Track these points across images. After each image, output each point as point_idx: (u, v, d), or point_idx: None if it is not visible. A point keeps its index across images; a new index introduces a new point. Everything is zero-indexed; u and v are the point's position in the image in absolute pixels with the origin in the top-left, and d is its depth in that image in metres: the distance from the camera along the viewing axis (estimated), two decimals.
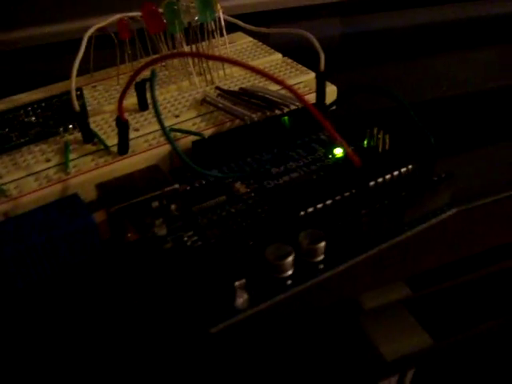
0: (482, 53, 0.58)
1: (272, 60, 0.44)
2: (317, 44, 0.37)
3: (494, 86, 0.52)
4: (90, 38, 0.38)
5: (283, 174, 0.34)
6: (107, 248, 0.30)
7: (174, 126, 0.36)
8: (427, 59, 0.57)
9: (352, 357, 0.32)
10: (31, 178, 0.33)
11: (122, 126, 0.33)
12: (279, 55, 0.44)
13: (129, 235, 0.30)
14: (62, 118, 0.36)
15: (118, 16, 0.38)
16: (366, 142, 0.35)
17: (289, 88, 0.29)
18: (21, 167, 0.33)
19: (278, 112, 0.36)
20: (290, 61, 0.44)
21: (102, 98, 0.40)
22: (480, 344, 0.35)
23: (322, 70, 0.37)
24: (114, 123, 0.36)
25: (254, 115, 0.36)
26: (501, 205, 0.40)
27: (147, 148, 0.35)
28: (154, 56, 0.30)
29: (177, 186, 0.31)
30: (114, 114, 0.37)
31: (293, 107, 0.37)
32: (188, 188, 0.33)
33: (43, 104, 0.35)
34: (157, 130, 0.36)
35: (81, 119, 0.34)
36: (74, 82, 0.34)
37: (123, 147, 0.34)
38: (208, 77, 0.41)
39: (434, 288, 0.36)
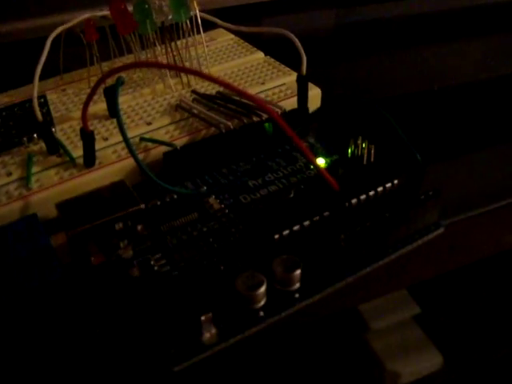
0: (472, 44, 0.56)
1: (253, 59, 0.41)
2: (299, 45, 0.35)
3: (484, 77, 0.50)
4: (57, 39, 0.35)
5: (260, 187, 0.32)
6: (69, 272, 0.28)
7: (145, 135, 0.34)
8: (419, 50, 0.54)
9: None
10: None
11: (87, 138, 0.31)
12: (261, 54, 0.42)
13: (92, 258, 0.28)
14: (25, 128, 0.33)
15: (85, 16, 0.35)
16: (349, 151, 0.33)
17: (257, 101, 0.27)
18: None
19: (255, 119, 0.34)
20: (272, 60, 0.41)
21: (70, 103, 0.37)
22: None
23: (304, 74, 0.34)
24: (95, 126, 0.34)
25: (229, 123, 0.33)
26: (496, 214, 0.38)
27: (116, 160, 0.32)
28: (118, 66, 0.28)
29: (143, 205, 0.28)
30: (91, 118, 0.35)
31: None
32: (158, 203, 0.31)
33: (4, 113, 0.32)
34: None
35: (44, 129, 0.32)
36: (36, 90, 0.32)
37: (89, 159, 0.32)
38: (184, 79, 0.38)
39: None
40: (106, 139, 0.34)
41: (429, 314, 0.52)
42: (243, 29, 0.39)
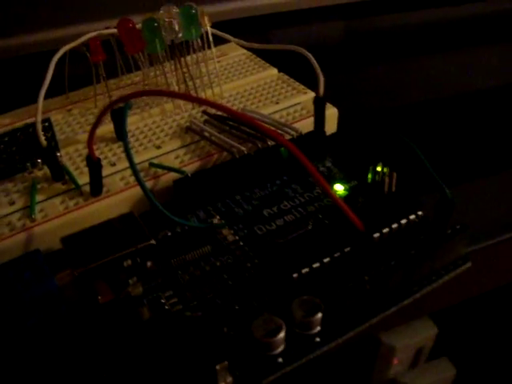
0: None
1: (267, 76, 0.40)
2: (315, 64, 0.33)
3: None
4: (62, 57, 0.34)
5: (276, 217, 0.30)
6: (75, 311, 0.26)
7: (154, 160, 0.32)
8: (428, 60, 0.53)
9: None
10: None
11: (94, 166, 0.29)
12: (274, 70, 0.40)
13: (99, 297, 0.26)
14: (28, 153, 0.32)
15: (91, 34, 0.33)
16: (369, 177, 0.31)
17: (267, 132, 0.25)
18: None
19: (270, 143, 0.32)
20: (285, 77, 0.39)
21: (76, 125, 0.36)
22: None
23: (322, 95, 0.33)
24: (103, 150, 0.32)
25: (243, 147, 0.32)
26: None
27: (124, 187, 0.31)
28: (124, 95, 0.26)
29: (153, 241, 0.27)
30: (98, 140, 0.33)
31: (288, 136, 0.33)
32: (169, 234, 0.30)
33: (6, 138, 0.31)
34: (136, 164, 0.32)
35: (48, 156, 0.31)
36: (39, 114, 0.30)
37: (96, 188, 0.30)
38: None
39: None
40: (113, 164, 0.32)
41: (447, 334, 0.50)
42: (256, 46, 0.38)
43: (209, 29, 0.35)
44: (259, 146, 0.32)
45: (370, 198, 0.30)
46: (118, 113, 0.33)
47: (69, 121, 0.36)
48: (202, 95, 0.37)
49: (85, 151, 0.33)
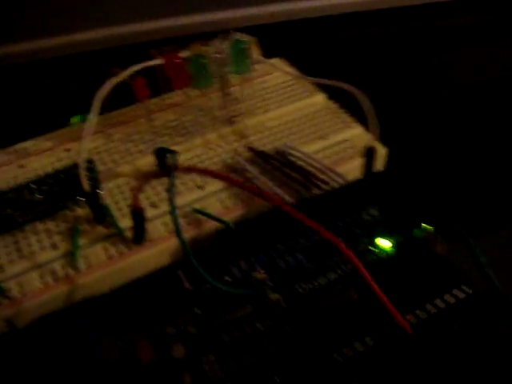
0: None
1: (312, 103, 0.38)
2: (369, 106, 0.32)
3: None
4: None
5: (319, 274, 0.30)
6: (116, 371, 0.27)
7: (196, 204, 0.32)
8: None
9: None
10: (35, 272, 0.29)
11: (138, 217, 0.29)
12: (321, 96, 0.39)
13: (142, 356, 0.27)
14: (71, 192, 0.31)
15: (137, 67, 0.32)
16: (416, 232, 0.31)
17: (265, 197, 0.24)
18: (24, 255, 0.30)
19: (315, 191, 0.31)
20: (333, 106, 0.38)
21: (117, 154, 0.35)
22: None
23: (374, 148, 0.31)
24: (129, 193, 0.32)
25: (287, 197, 0.31)
26: None
27: (166, 235, 0.30)
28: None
29: (198, 311, 0.27)
30: (131, 179, 0.33)
31: (335, 184, 0.32)
32: (209, 287, 0.29)
33: (51, 180, 0.30)
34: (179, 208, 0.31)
35: (91, 200, 0.30)
36: (83, 158, 0.29)
37: (139, 236, 0.30)
38: (241, 126, 0.35)
39: None
40: (155, 206, 0.32)
41: None
42: (310, 79, 0.36)
43: (261, 58, 0.34)
44: (304, 194, 0.31)
45: (414, 256, 0.30)
46: (162, 152, 0.32)
47: (109, 148, 0.35)
48: (246, 123, 0.36)
49: (126, 187, 0.33)
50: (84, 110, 0.37)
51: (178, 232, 0.27)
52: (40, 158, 0.35)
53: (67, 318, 0.27)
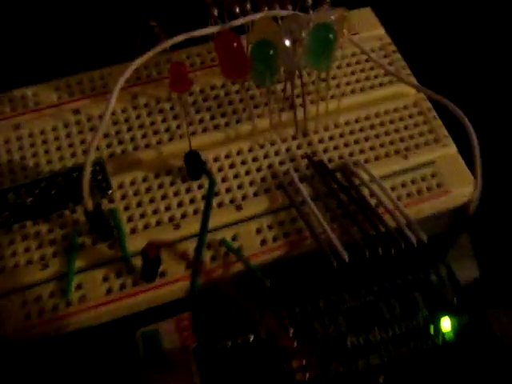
0: None
1: (400, 95, 0.29)
2: (475, 142, 0.24)
3: None
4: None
5: (361, 352, 0.24)
6: None
7: (230, 230, 0.25)
8: None
9: None
10: (17, 297, 0.23)
11: (151, 263, 0.23)
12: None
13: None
14: (69, 195, 0.24)
15: (179, 38, 0.23)
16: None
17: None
18: (7, 268, 0.24)
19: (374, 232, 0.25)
20: (426, 106, 0.29)
21: (139, 130, 0.27)
22: None
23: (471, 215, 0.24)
24: (146, 198, 0.25)
25: (344, 252, 0.24)
26: None
27: (184, 274, 0.24)
28: None
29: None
30: (150, 174, 0.26)
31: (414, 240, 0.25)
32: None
33: (42, 184, 0.23)
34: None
35: (93, 218, 0.23)
36: (88, 170, 0.22)
37: (150, 276, 0.24)
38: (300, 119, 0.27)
39: None
40: (177, 226, 0.25)
41: None
42: (429, 93, 0.27)
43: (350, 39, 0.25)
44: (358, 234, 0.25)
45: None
46: (191, 157, 0.25)
47: (130, 117, 0.27)
48: (313, 111, 0.27)
49: (143, 186, 0.26)
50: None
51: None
52: (40, 117, 0.27)
53: None
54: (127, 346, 0.23)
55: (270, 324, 0.22)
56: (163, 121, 0.27)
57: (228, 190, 0.26)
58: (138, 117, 0.28)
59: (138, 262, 0.24)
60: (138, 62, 0.23)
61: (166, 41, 0.24)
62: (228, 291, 0.22)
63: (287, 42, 0.23)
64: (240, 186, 0.26)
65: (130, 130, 0.27)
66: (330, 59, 0.24)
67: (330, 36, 0.23)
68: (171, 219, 0.25)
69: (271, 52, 0.23)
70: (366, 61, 0.30)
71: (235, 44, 0.23)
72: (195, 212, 0.25)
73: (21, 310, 0.23)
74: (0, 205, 0.24)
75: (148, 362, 0.23)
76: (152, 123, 0.27)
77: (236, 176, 0.26)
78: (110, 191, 0.25)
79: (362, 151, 0.27)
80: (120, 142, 0.27)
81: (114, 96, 0.22)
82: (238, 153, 0.27)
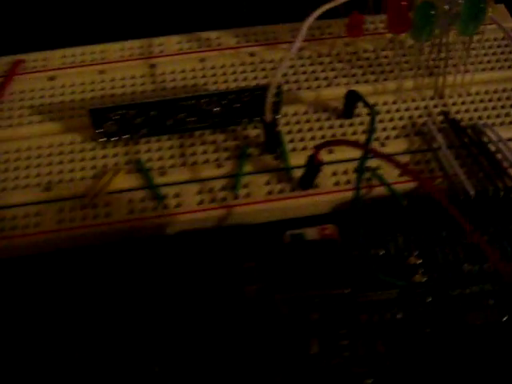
0: None
1: None
2: None
3: None
4: None
5: (475, 280, 0.27)
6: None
7: (374, 164, 0.29)
8: None
9: None
10: (195, 186, 0.28)
11: (313, 168, 0.27)
12: None
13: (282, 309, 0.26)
14: (248, 112, 0.30)
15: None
16: None
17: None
18: (187, 163, 0.29)
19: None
20: None
21: (302, 75, 0.32)
22: None
23: None
24: (305, 126, 0.30)
25: (471, 190, 0.28)
26: None
27: (334, 189, 0.28)
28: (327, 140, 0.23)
29: (348, 291, 0.25)
30: (310, 108, 0.31)
31: None
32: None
33: (233, 96, 0.29)
34: (352, 160, 0.29)
35: (270, 129, 0.28)
36: (275, 86, 0.27)
37: (306, 183, 0.28)
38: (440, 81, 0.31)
39: None
40: (330, 152, 0.29)
41: None
42: None
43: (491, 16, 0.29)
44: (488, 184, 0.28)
45: None
46: (352, 95, 0.29)
47: (296, 65, 0.33)
48: (447, 80, 0.32)
49: (303, 118, 0.31)
50: None
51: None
52: (222, 55, 0.33)
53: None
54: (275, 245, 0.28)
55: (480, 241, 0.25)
56: (322, 71, 0.32)
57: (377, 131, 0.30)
58: (301, 65, 0.33)
59: (295, 173, 0.29)
60: (317, 12, 0.28)
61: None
62: (441, 199, 0.25)
63: (446, 6, 0.28)
64: (384, 129, 0.30)
65: (294, 74, 0.32)
66: (478, 26, 0.28)
67: (482, 4, 0.28)
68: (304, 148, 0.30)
69: (432, 11, 0.28)
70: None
71: (405, 3, 0.28)
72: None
73: (196, 196, 0.28)
74: (190, 109, 0.29)
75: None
76: (312, 71, 0.32)
77: (381, 121, 0.31)
78: (279, 116, 0.30)
79: (488, 117, 0.31)
80: (286, 82, 0.32)
81: (297, 44, 0.27)
82: (384, 103, 0.31)
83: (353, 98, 0.30)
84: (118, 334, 0.26)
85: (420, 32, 0.28)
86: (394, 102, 0.31)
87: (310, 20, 0.27)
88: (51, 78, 0.32)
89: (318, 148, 0.26)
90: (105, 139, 0.29)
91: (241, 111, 0.29)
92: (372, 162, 0.29)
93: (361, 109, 0.31)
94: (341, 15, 0.31)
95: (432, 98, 0.32)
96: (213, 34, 0.34)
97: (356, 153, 0.29)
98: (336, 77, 0.32)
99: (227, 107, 0.29)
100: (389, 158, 0.25)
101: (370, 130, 0.26)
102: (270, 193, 0.28)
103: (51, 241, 0.27)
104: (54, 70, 0.33)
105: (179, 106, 0.28)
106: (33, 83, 0.32)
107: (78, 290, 0.26)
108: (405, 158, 0.29)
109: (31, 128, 0.30)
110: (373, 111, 0.27)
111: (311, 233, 0.28)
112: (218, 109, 0.29)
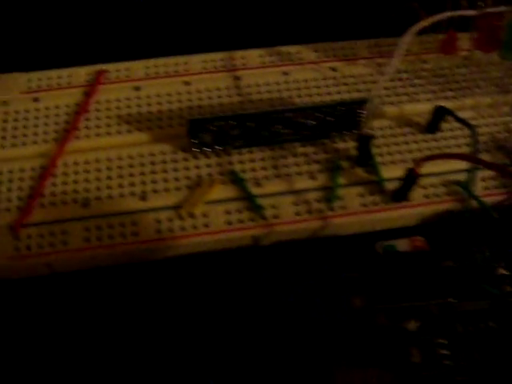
0: None
1: None
2: None
3: None
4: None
5: None
6: None
7: (457, 176, 0.30)
8: None
9: None
10: (290, 197, 0.29)
11: (411, 180, 0.28)
12: None
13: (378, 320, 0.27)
14: (340, 124, 0.30)
15: (447, 14, 0.29)
16: None
17: None
18: (280, 175, 0.29)
19: None
20: None
21: (384, 91, 0.33)
22: None
23: None
24: (391, 140, 0.31)
25: None
26: None
27: (424, 201, 0.29)
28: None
29: (451, 299, 0.26)
30: (393, 123, 0.31)
31: None
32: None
33: (328, 109, 0.29)
34: (439, 174, 0.30)
35: (363, 142, 0.29)
36: (373, 100, 0.28)
37: (401, 196, 0.29)
38: None
39: None
40: (417, 165, 0.30)
41: None
42: None
43: None
44: None
45: None
46: (442, 110, 0.30)
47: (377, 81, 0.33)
48: None
49: (389, 132, 0.31)
50: None
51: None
52: (304, 69, 0.34)
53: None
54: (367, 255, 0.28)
55: None
56: (402, 87, 0.33)
57: (457, 145, 0.31)
58: None
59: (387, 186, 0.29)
60: (415, 28, 0.29)
61: (431, 16, 0.30)
62: None
63: None
64: (467, 145, 0.31)
65: None
66: None
67: None
68: (412, 159, 0.30)
69: None
70: None
71: (498, 23, 0.29)
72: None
73: (292, 208, 0.28)
74: (286, 121, 0.29)
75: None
76: (394, 87, 0.33)
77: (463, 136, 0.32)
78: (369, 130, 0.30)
79: None
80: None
81: (396, 59, 0.28)
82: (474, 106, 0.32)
83: (441, 114, 0.30)
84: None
85: (510, 50, 0.29)
86: (474, 118, 0.32)
87: (409, 36, 0.28)
88: (136, 88, 0.32)
89: (422, 161, 0.27)
90: (198, 150, 0.30)
91: (333, 125, 0.30)
92: (458, 176, 0.30)
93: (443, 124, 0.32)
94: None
95: (510, 115, 0.33)
96: (293, 49, 0.34)
97: (444, 166, 0.30)
98: (416, 93, 0.33)
99: (322, 120, 0.29)
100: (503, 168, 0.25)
101: (475, 143, 0.27)
102: (364, 205, 0.29)
103: (151, 250, 0.27)
104: (138, 80, 0.33)
105: (276, 119, 0.29)
106: (118, 93, 0.32)
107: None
108: (487, 173, 0.30)
109: (120, 137, 0.31)
110: (472, 127, 0.27)
111: (403, 244, 0.29)
112: (313, 122, 0.29)
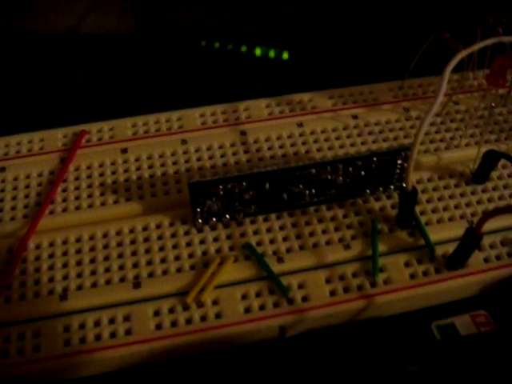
0: None
1: None
2: None
3: None
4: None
5: None
6: None
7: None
8: None
9: None
10: (322, 273, 0.23)
11: (474, 242, 0.22)
12: None
13: None
14: (374, 180, 0.25)
15: (486, 42, 0.25)
16: None
17: None
18: (307, 244, 0.24)
19: None
20: None
21: (412, 138, 0.28)
22: None
23: None
24: (435, 194, 0.26)
25: None
26: None
27: (485, 267, 0.24)
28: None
29: None
30: (434, 174, 0.26)
31: None
32: None
33: (359, 162, 0.24)
34: (498, 231, 0.25)
35: (408, 201, 0.24)
36: (415, 152, 0.22)
37: (458, 262, 0.23)
38: None
39: None
40: (471, 222, 0.25)
41: None
42: None
43: None
44: None
45: None
46: (490, 156, 0.25)
47: (404, 127, 0.28)
48: None
49: (430, 185, 0.26)
50: None
51: None
52: (321, 118, 0.29)
53: None
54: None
55: None
56: (436, 132, 0.28)
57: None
58: (411, 127, 0.28)
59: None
60: (455, 62, 0.24)
61: (468, 48, 0.25)
62: None
63: None
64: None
65: (405, 137, 0.28)
66: None
67: None
68: (462, 216, 0.25)
69: None
70: None
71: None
72: (473, 214, 0.25)
73: (325, 286, 0.23)
74: (309, 179, 0.24)
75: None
76: (426, 133, 0.28)
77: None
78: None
79: None
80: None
81: (439, 98, 0.23)
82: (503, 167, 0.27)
83: (492, 160, 0.25)
84: None
85: None
86: None
87: (449, 70, 0.23)
88: (123, 151, 0.27)
89: (485, 218, 0.21)
90: (202, 221, 0.24)
91: (366, 180, 0.25)
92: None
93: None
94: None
95: None
96: (305, 96, 0.29)
97: (503, 222, 0.24)
98: (452, 138, 0.28)
99: (353, 176, 0.24)
100: None
101: None
102: (412, 276, 0.23)
103: (146, 352, 0.21)
104: (124, 141, 0.27)
105: (297, 177, 0.24)
106: (101, 157, 0.27)
107: None
108: None
109: (105, 210, 0.25)
110: None
111: (463, 323, 0.23)
112: (342, 179, 0.24)
